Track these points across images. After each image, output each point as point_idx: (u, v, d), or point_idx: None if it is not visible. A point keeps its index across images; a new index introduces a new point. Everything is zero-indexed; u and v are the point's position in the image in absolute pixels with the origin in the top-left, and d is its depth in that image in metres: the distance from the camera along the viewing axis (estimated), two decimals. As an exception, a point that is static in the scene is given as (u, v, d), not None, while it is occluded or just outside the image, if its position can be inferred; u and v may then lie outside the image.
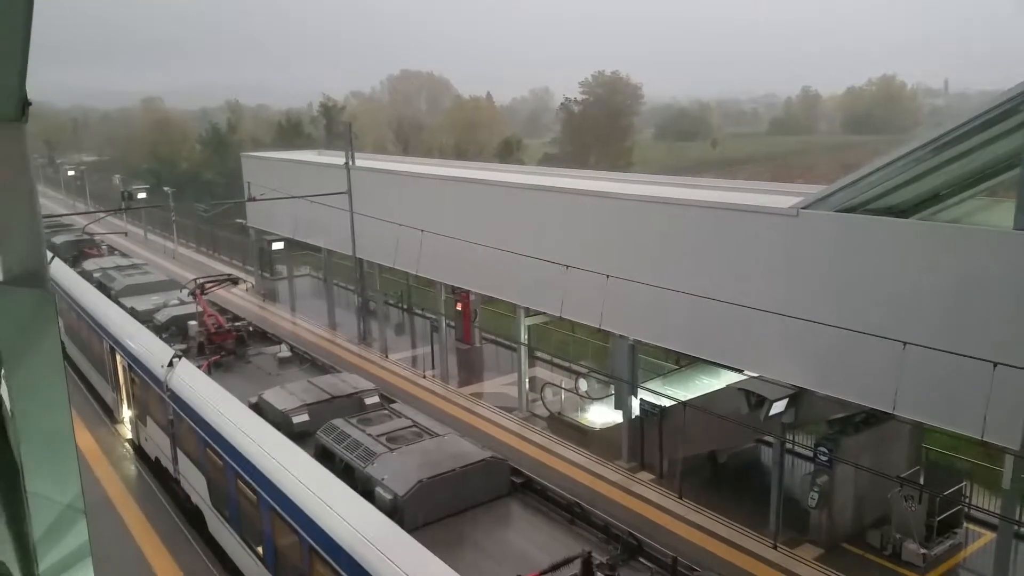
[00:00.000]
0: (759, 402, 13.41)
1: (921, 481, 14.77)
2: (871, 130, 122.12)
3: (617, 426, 18.21)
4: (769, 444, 17.30)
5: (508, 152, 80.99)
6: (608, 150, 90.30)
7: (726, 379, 16.48)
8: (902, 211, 13.22)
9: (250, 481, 11.80)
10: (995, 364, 10.34)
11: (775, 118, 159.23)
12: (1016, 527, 12.55)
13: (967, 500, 14.67)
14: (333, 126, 78.75)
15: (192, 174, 78.97)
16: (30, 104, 2.60)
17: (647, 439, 17.23)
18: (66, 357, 25.89)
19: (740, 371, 15.04)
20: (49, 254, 27.23)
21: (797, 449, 17.51)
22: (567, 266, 17.63)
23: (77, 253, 28.87)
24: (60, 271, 25.61)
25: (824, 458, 13.91)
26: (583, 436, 19.03)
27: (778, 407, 13.33)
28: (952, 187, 13.66)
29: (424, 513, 9.77)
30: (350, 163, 25.06)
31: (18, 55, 2.27)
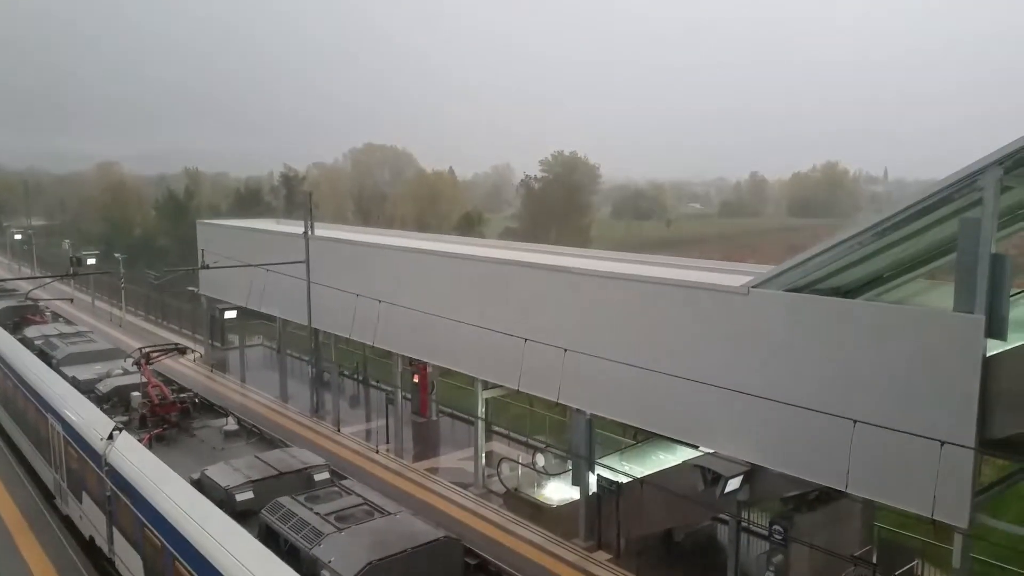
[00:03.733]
0: (714, 479, 13.40)
1: (874, 560, 14.78)
2: (815, 213, 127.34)
3: (574, 503, 17.94)
4: (725, 522, 17.19)
5: (469, 225, 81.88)
6: (567, 226, 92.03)
7: (682, 455, 16.47)
8: (848, 291, 13.68)
9: (186, 565, 11.22)
10: (942, 443, 10.57)
11: (725, 200, 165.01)
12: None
13: (919, 580, 14.68)
14: (293, 195, 78.93)
15: (145, 240, 77.79)
16: None
17: (604, 516, 16.99)
18: (0, 430, 24.69)
19: (695, 447, 15.06)
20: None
21: (752, 527, 17.43)
22: (525, 339, 17.66)
23: (19, 319, 27.91)
24: None
25: (779, 537, 13.86)
26: (540, 513, 18.68)
27: (733, 484, 13.33)
28: (894, 269, 14.23)
29: None
30: (309, 232, 25.03)
31: None
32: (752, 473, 13.55)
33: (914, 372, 11.41)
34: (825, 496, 14.25)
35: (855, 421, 11.69)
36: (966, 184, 10.78)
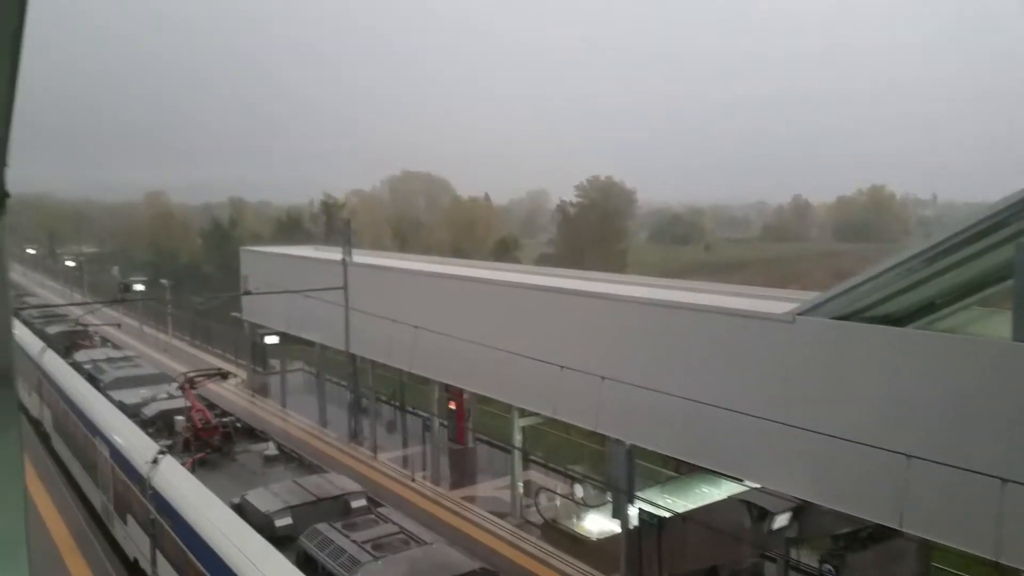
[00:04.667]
0: (761, 515, 12.95)
1: (931, 602, 14.10)
2: (862, 238, 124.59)
3: (614, 536, 17.53)
4: (773, 560, 16.61)
5: (505, 251, 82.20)
6: (603, 252, 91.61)
7: (727, 489, 15.99)
8: (898, 319, 13.21)
9: None
10: (1004, 480, 10.05)
11: (767, 224, 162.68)
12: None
13: (981, 624, 13.95)
14: (333, 222, 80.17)
15: (191, 267, 79.78)
16: (8, 196, 2.55)
17: (645, 551, 16.54)
18: (50, 450, 25.27)
19: (741, 481, 14.61)
20: (41, 344, 27.29)
21: (801, 566, 16.79)
22: (561, 366, 17.44)
23: (70, 344, 28.70)
24: (51, 362, 25.41)
25: (830, 576, 13.30)
26: (579, 546, 18.30)
27: (781, 520, 12.87)
28: (946, 296, 13.71)
29: None
30: (347, 259, 25.27)
31: None
32: (801, 509, 13.07)
33: (971, 405, 10.91)
34: (878, 534, 13.67)
35: (909, 456, 11.20)
36: (1022, 207, 10.35)
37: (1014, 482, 9.98)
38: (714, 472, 15.61)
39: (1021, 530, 10.07)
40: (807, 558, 16.91)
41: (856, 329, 12.55)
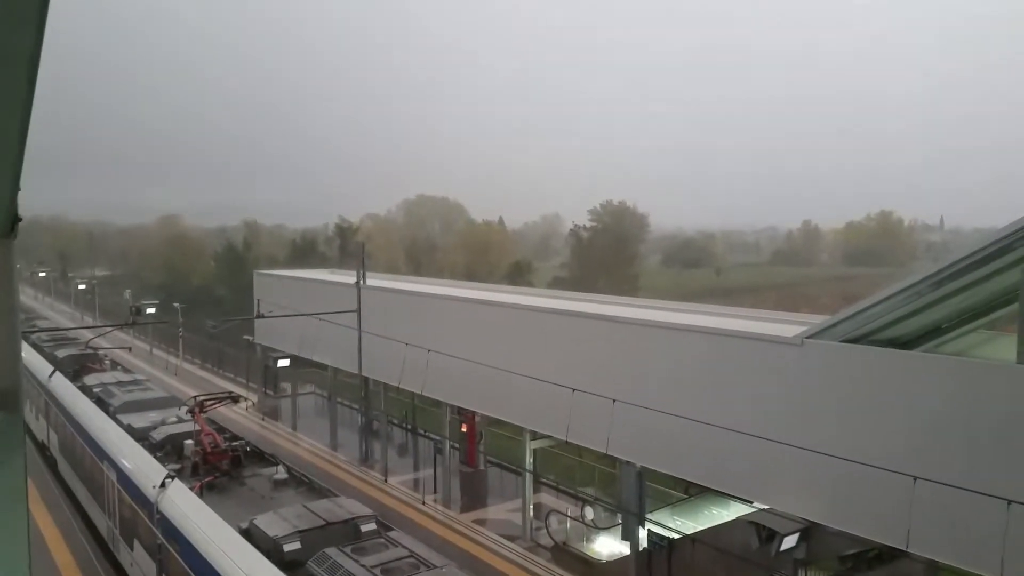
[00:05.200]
0: (769, 536, 12.99)
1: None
2: (871, 263, 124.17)
3: (624, 559, 17.51)
4: (782, 582, 16.55)
5: (518, 274, 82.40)
6: (615, 275, 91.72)
7: (736, 510, 16.02)
8: (905, 343, 13.31)
9: None
10: (1009, 502, 10.09)
11: (777, 249, 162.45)
12: None
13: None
14: (347, 246, 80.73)
15: (204, 290, 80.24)
16: (20, 220, 2.56)
17: (656, 573, 16.53)
18: (56, 475, 25.38)
19: (749, 502, 14.64)
20: (50, 368, 27.53)
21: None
22: (573, 389, 17.57)
23: (79, 367, 28.86)
24: (60, 385, 25.55)
25: (839, 599, 13.29)
26: (589, 569, 18.27)
27: (789, 542, 12.90)
28: (953, 320, 13.81)
29: None
30: (361, 282, 25.55)
31: (9, 176, 2.28)
32: (809, 530, 13.09)
33: (977, 427, 10.98)
34: (886, 555, 13.66)
35: (915, 478, 11.26)
36: (1028, 232, 10.49)
37: (1019, 503, 10.02)
38: (723, 494, 15.65)
39: (1028, 552, 10.10)
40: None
41: (864, 352, 12.66)
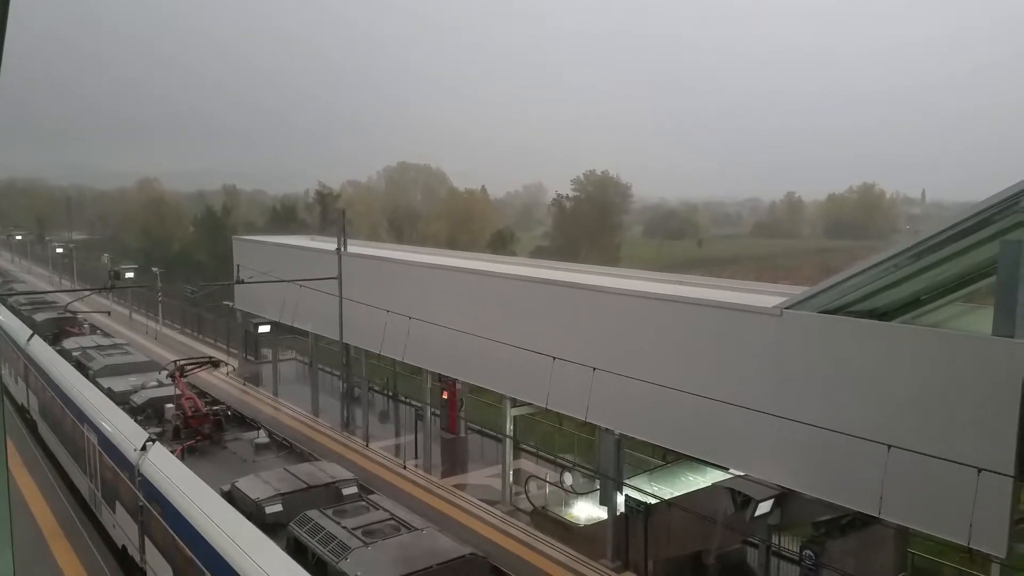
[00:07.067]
0: (744, 502, 13.20)
1: (910, 589, 14.40)
2: (852, 235, 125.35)
3: (602, 523, 17.79)
4: (755, 546, 16.90)
5: (501, 244, 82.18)
6: (598, 245, 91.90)
7: (712, 477, 16.27)
8: (883, 314, 13.46)
9: None
10: (979, 470, 10.31)
11: (759, 221, 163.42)
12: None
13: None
14: (328, 212, 80.00)
15: (183, 255, 79.35)
16: None
17: (632, 537, 16.82)
18: (36, 437, 25.26)
19: (726, 469, 14.87)
20: (28, 331, 27.23)
21: (783, 552, 17.10)
22: (554, 358, 17.65)
23: (58, 331, 28.56)
24: (39, 349, 25.32)
25: (810, 562, 13.58)
26: (567, 532, 18.54)
27: (763, 507, 13.12)
28: (932, 292, 13.96)
29: None
30: (342, 249, 25.36)
31: None
32: (783, 497, 13.32)
33: (951, 397, 11.17)
34: (858, 522, 13.96)
35: (889, 446, 11.46)
36: (1007, 205, 10.57)
37: (989, 471, 10.25)
38: (700, 461, 15.87)
39: (994, 518, 10.35)
40: (788, 544, 17.25)
41: (842, 323, 12.79)
